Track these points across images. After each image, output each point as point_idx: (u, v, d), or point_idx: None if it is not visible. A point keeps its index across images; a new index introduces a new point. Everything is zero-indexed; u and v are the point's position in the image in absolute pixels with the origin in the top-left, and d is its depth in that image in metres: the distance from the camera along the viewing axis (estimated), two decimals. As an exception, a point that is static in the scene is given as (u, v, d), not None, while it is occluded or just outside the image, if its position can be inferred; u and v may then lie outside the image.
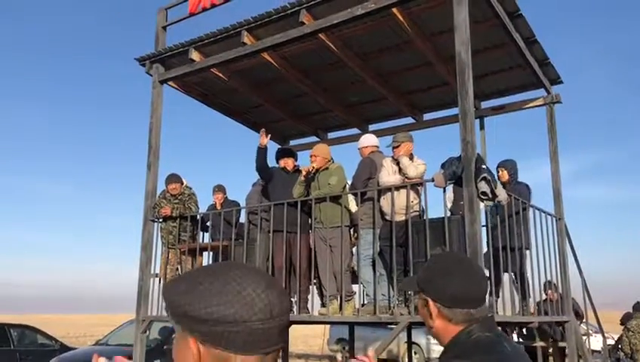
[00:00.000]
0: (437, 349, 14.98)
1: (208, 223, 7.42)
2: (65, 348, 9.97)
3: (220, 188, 7.71)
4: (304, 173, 5.88)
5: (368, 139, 6.31)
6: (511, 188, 6.01)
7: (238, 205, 7.25)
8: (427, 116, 8.31)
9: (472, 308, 1.50)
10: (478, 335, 1.47)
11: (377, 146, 6.23)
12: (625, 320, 10.15)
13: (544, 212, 6.30)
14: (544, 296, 6.90)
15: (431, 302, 1.52)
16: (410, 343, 8.07)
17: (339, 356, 17.45)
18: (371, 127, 8.72)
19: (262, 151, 6.29)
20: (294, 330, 10.98)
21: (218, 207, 7.37)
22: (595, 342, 12.55)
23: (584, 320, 8.12)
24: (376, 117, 8.59)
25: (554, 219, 6.73)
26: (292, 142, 9.56)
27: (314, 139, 9.30)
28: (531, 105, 7.30)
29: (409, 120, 8.35)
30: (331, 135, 9.23)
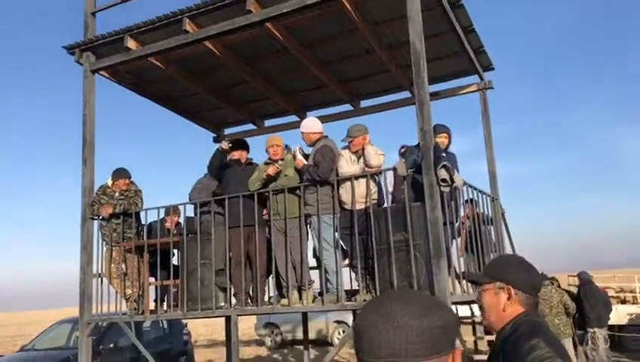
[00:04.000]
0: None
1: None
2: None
3: (175, 211, 7.32)
4: (271, 173, 5.68)
5: (316, 125, 6.04)
6: (447, 156, 6.09)
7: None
8: (364, 103, 8.44)
9: (536, 296, 1.87)
10: (531, 317, 1.80)
11: (322, 133, 6.00)
12: None
13: (482, 192, 6.61)
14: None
15: (513, 290, 1.80)
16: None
17: (267, 340, 17.55)
18: (309, 114, 8.70)
19: (221, 153, 6.32)
20: (217, 320, 10.63)
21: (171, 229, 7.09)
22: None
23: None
24: (314, 104, 8.59)
25: (490, 198, 7.10)
26: (227, 131, 9.37)
27: (250, 127, 9.19)
28: (465, 91, 7.62)
29: (347, 107, 8.43)
30: (268, 123, 9.13)
